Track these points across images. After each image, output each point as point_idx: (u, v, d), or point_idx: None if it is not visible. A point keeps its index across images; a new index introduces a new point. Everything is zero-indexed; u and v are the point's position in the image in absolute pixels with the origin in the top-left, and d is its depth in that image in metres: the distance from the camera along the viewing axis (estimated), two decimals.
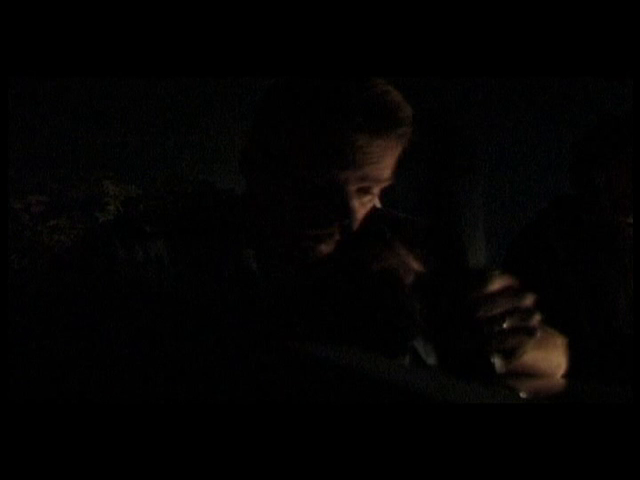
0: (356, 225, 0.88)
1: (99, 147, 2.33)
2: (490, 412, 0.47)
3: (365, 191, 0.89)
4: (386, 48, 1.40)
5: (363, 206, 0.90)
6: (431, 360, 0.85)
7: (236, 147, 0.98)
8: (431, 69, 1.53)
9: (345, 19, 1.37)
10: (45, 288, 0.91)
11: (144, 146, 2.38)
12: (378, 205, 0.93)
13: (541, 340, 0.82)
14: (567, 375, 0.99)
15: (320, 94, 0.87)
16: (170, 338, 0.74)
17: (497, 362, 0.71)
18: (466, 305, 0.71)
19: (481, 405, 0.49)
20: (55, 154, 2.25)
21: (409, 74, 1.47)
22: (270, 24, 1.37)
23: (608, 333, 1.53)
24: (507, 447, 0.45)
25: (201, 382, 0.69)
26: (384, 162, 0.89)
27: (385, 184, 0.91)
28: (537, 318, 0.76)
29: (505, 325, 0.72)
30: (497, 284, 0.73)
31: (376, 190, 0.91)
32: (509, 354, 0.73)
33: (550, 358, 0.95)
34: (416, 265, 0.80)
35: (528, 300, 0.75)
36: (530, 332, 0.74)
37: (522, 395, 0.82)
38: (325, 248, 0.90)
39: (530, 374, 0.88)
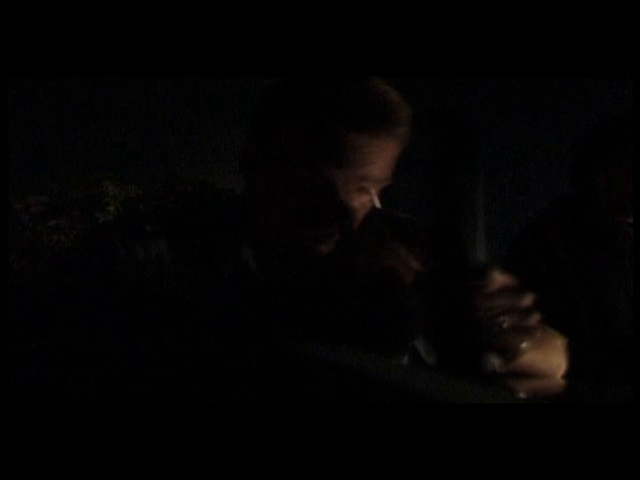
0: (356, 225, 0.88)
1: (99, 147, 2.33)
2: (490, 412, 0.47)
3: (364, 191, 0.89)
4: (386, 48, 1.40)
5: (363, 206, 0.90)
6: (431, 360, 0.85)
7: (236, 147, 0.98)
8: (431, 69, 1.53)
9: (345, 19, 1.37)
10: (45, 288, 0.91)
11: (144, 146, 2.38)
12: (378, 205, 0.93)
13: (540, 341, 0.82)
14: (567, 375, 0.99)
15: (319, 94, 0.87)
16: (170, 337, 0.74)
17: (495, 361, 0.71)
18: (465, 302, 0.71)
19: (481, 405, 0.49)
20: (55, 154, 2.25)
21: (409, 74, 1.47)
22: (270, 24, 1.37)
23: (608, 333, 1.53)
24: (507, 447, 0.45)
25: (201, 381, 0.69)
26: (383, 162, 0.89)
27: (384, 184, 0.91)
28: (536, 318, 0.76)
29: (504, 323, 0.72)
30: (497, 282, 0.73)
31: (375, 190, 0.91)
32: (507, 353, 0.73)
33: (549, 359, 0.95)
34: (416, 265, 0.80)
35: (527, 300, 0.75)
36: (529, 331, 0.74)
37: (521, 396, 0.82)
38: (325, 248, 0.90)
39: (530, 375, 0.88)
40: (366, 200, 0.91)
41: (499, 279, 0.74)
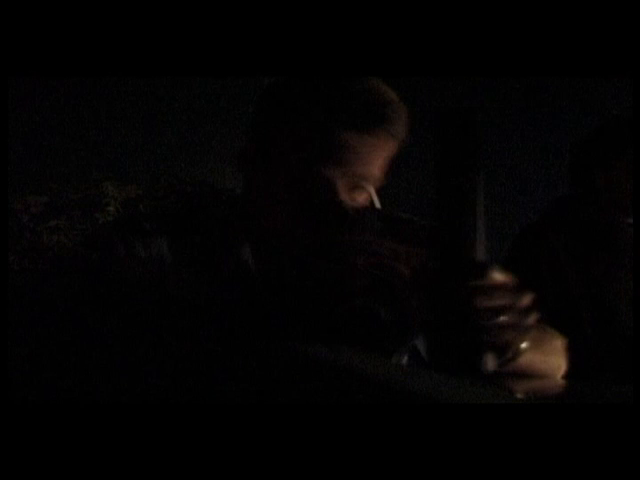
0: (356, 225, 0.88)
1: (99, 147, 2.33)
2: (490, 412, 0.47)
3: (364, 190, 0.90)
4: (386, 48, 1.40)
5: (362, 205, 0.90)
6: (431, 360, 0.85)
7: (236, 147, 0.98)
8: (431, 69, 1.53)
9: (345, 19, 1.37)
10: (46, 288, 0.91)
11: (144, 146, 2.38)
12: (378, 205, 0.93)
13: (540, 342, 0.82)
14: (567, 375, 0.99)
15: (318, 94, 0.88)
16: (170, 337, 0.74)
17: (489, 358, 0.71)
18: (465, 302, 0.70)
19: (481, 405, 0.49)
20: (55, 154, 2.25)
21: (409, 74, 1.47)
22: (270, 24, 1.37)
23: (608, 333, 1.53)
24: (507, 447, 0.45)
25: (201, 381, 0.69)
26: (382, 161, 0.90)
27: (378, 182, 0.92)
28: (533, 317, 0.75)
29: (500, 320, 0.72)
30: (497, 282, 0.73)
31: (370, 188, 0.91)
32: (507, 353, 0.73)
33: (549, 360, 0.95)
34: (416, 264, 0.80)
35: (526, 299, 0.75)
36: (525, 330, 0.74)
37: (521, 396, 0.82)
38: (325, 248, 0.90)
39: (529, 375, 0.88)
40: (365, 200, 0.91)
41: (499, 279, 0.73)
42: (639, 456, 0.44)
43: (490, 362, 0.71)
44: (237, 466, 0.60)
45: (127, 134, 2.37)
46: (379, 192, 0.93)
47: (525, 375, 0.84)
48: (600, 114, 2.02)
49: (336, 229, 0.88)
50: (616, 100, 2.29)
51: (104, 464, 0.66)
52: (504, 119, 2.57)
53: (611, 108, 2.32)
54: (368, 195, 0.91)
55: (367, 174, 0.89)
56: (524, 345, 0.74)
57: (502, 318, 0.72)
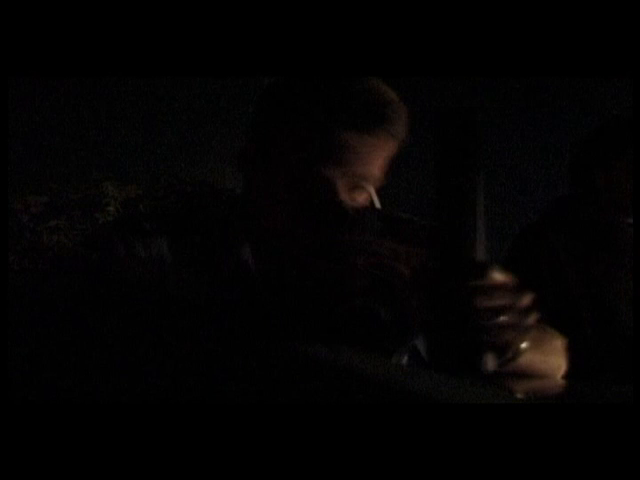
0: (355, 225, 0.88)
1: (99, 147, 2.33)
2: (490, 412, 0.47)
3: (364, 190, 0.90)
4: (386, 48, 1.40)
5: (362, 205, 0.90)
6: (431, 360, 0.85)
7: (236, 147, 0.98)
8: (431, 69, 1.53)
9: (345, 19, 1.37)
10: (46, 288, 0.91)
11: (144, 146, 2.38)
12: (378, 205, 0.93)
13: (540, 342, 0.82)
14: (567, 375, 0.99)
15: (318, 94, 0.88)
16: (170, 336, 0.73)
17: (489, 358, 0.71)
18: (465, 302, 0.70)
19: (481, 405, 0.49)
20: (55, 154, 2.25)
21: (409, 74, 1.47)
22: (270, 24, 1.37)
23: (608, 333, 1.53)
24: (507, 447, 0.45)
25: (200, 381, 0.69)
26: (382, 161, 0.90)
27: (378, 182, 0.92)
28: (533, 317, 0.75)
29: (500, 320, 0.72)
30: (497, 282, 0.73)
31: (370, 188, 0.91)
32: (507, 353, 0.73)
33: (549, 360, 0.95)
34: (416, 264, 0.80)
35: (526, 299, 0.75)
36: (525, 330, 0.74)
37: (521, 396, 0.82)
38: (325, 248, 0.90)
39: (529, 375, 0.88)
40: (365, 200, 0.91)
41: (499, 279, 0.73)
42: (639, 456, 0.44)
43: (490, 362, 0.71)
44: (237, 466, 0.60)
45: (127, 134, 2.36)
46: (379, 192, 0.93)
47: (525, 375, 0.84)
48: (600, 114, 2.02)
49: (336, 229, 0.88)
50: (616, 100, 2.29)
51: (104, 464, 0.66)
52: (504, 119, 2.57)
53: (611, 108, 2.32)
54: (368, 195, 0.91)
55: (367, 174, 0.89)
56: (524, 345, 0.74)
57: (502, 318, 0.72)
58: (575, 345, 0.99)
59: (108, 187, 2.06)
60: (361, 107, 0.86)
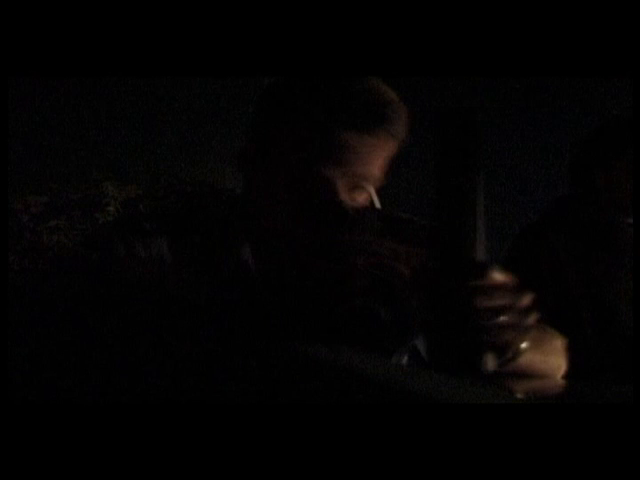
0: (355, 225, 0.88)
1: (99, 147, 2.33)
2: (490, 412, 0.47)
3: (363, 190, 0.90)
4: (386, 48, 1.40)
5: (362, 205, 0.90)
6: (431, 360, 0.85)
7: (236, 147, 0.98)
8: (431, 69, 1.53)
9: (345, 19, 1.37)
10: (46, 288, 0.91)
11: (144, 146, 2.38)
12: (378, 205, 0.93)
13: (540, 342, 0.82)
14: (567, 375, 0.99)
15: (318, 94, 0.88)
16: (170, 336, 0.73)
17: (489, 358, 0.71)
18: (465, 302, 0.70)
19: (481, 405, 0.49)
20: (55, 154, 2.25)
21: (409, 74, 1.47)
22: (270, 24, 1.37)
23: (608, 333, 1.53)
24: (507, 447, 0.45)
25: (200, 381, 0.69)
26: (382, 161, 0.90)
27: (378, 182, 0.92)
28: (533, 317, 0.75)
29: (500, 320, 0.72)
30: (496, 282, 0.73)
31: (370, 188, 0.91)
32: (507, 353, 0.73)
33: (549, 360, 0.95)
34: (416, 264, 0.80)
35: (526, 299, 0.75)
36: (525, 330, 0.74)
37: (521, 396, 0.82)
38: (325, 248, 0.90)
39: (529, 375, 0.88)
40: (365, 200, 0.91)
41: (499, 279, 0.73)
42: (639, 456, 0.44)
43: (490, 362, 0.71)
44: (237, 466, 0.60)
45: (127, 134, 2.36)
46: (379, 192, 0.93)
47: (525, 375, 0.84)
48: (600, 114, 2.02)
49: (336, 229, 0.88)
50: (616, 100, 2.29)
51: (104, 464, 0.66)
52: (504, 119, 2.57)
53: (611, 108, 2.32)
54: (368, 195, 0.91)
55: (367, 174, 0.89)
56: (524, 345, 0.74)
57: (502, 318, 0.72)
58: (575, 345, 0.99)
59: (108, 187, 2.06)
60: (361, 107, 0.86)
